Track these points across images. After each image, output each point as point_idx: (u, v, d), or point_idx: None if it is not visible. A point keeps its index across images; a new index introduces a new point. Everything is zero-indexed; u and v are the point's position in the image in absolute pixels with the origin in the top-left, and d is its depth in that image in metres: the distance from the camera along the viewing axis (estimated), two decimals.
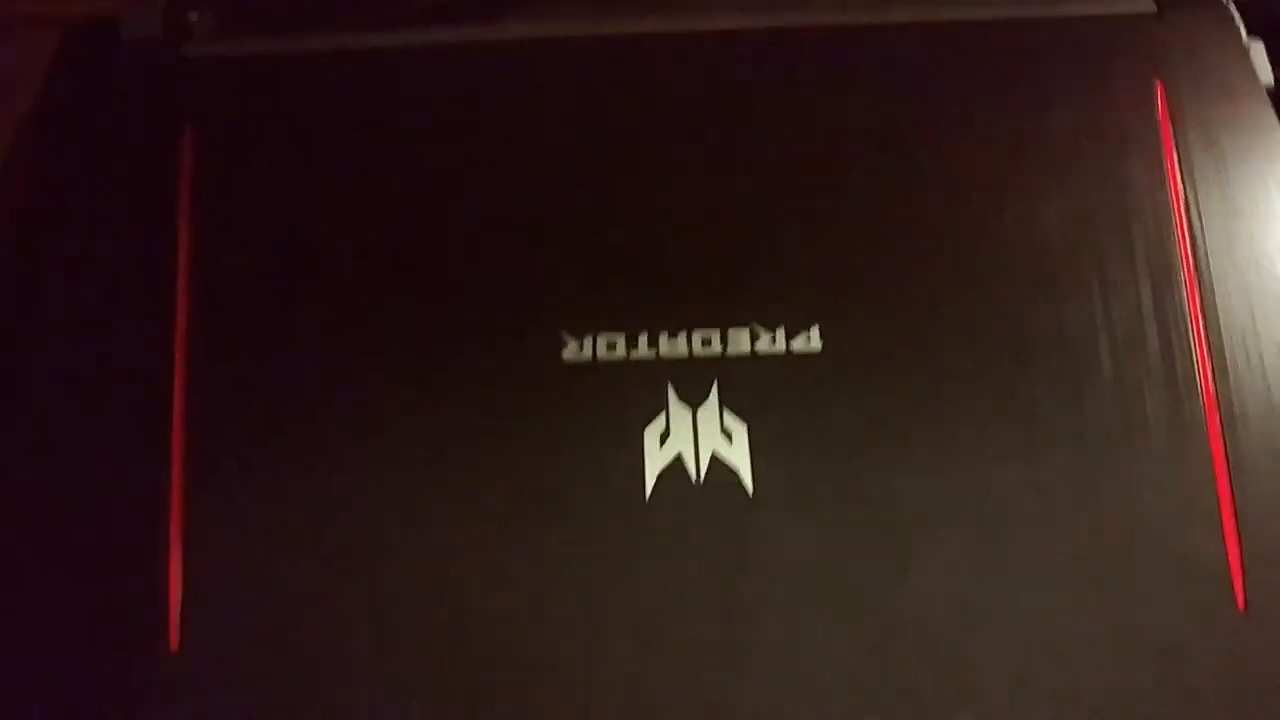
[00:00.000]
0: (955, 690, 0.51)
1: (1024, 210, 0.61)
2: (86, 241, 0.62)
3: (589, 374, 0.57)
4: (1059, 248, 0.60)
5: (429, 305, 0.59)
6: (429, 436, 0.56)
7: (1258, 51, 0.69)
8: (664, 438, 0.56)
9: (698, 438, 0.56)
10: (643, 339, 0.58)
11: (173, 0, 0.71)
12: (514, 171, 0.64)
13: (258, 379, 0.58)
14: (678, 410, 0.56)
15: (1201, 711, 0.51)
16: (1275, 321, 0.59)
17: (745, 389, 0.57)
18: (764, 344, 0.58)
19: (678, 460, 0.55)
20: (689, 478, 0.55)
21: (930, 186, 0.63)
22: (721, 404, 0.56)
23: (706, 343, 0.58)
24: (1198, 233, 0.61)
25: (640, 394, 0.57)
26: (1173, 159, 0.63)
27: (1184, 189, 0.62)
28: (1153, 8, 0.71)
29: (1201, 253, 0.60)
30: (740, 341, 0.58)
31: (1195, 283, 0.59)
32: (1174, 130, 0.64)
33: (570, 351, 0.58)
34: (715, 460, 0.55)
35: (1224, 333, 0.58)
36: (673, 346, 0.58)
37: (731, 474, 0.55)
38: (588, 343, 0.58)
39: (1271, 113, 0.66)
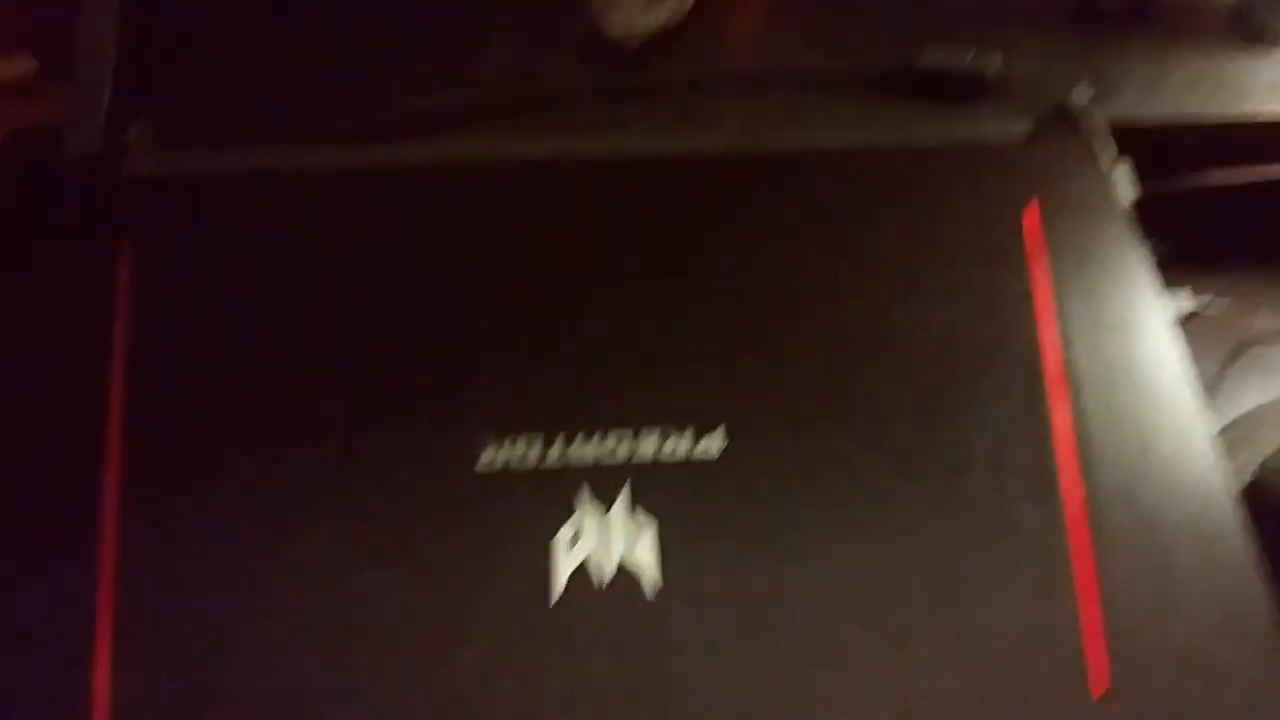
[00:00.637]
0: None
1: (907, 324, 0.67)
2: (18, 354, 0.64)
3: (500, 479, 0.60)
4: (937, 359, 0.65)
5: (347, 417, 0.62)
6: (341, 547, 0.58)
7: (1122, 172, 0.77)
8: (574, 541, 0.58)
9: (608, 540, 0.59)
10: (553, 443, 0.61)
11: (113, 115, 0.74)
12: (434, 285, 0.67)
13: (185, 501, 0.60)
14: (588, 513, 0.59)
15: None
16: (1135, 427, 0.64)
17: (654, 490, 0.60)
18: (673, 445, 0.61)
19: (587, 563, 0.58)
20: (598, 581, 0.58)
21: (823, 299, 0.68)
22: (632, 505, 0.60)
23: (616, 445, 0.61)
24: (1065, 344, 0.66)
25: (550, 497, 0.60)
26: (1043, 277, 0.69)
27: (1053, 304, 0.68)
28: (1024, 136, 0.78)
29: (1068, 363, 0.65)
30: (650, 443, 0.61)
31: (1063, 391, 0.65)
32: (1044, 250, 0.70)
33: (482, 456, 0.61)
34: (624, 563, 0.58)
35: (1090, 438, 0.63)
36: (582, 449, 0.61)
37: (640, 576, 0.58)
38: (499, 448, 0.61)
39: (1131, 231, 0.72)
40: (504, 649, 0.56)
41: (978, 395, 0.64)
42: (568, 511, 0.59)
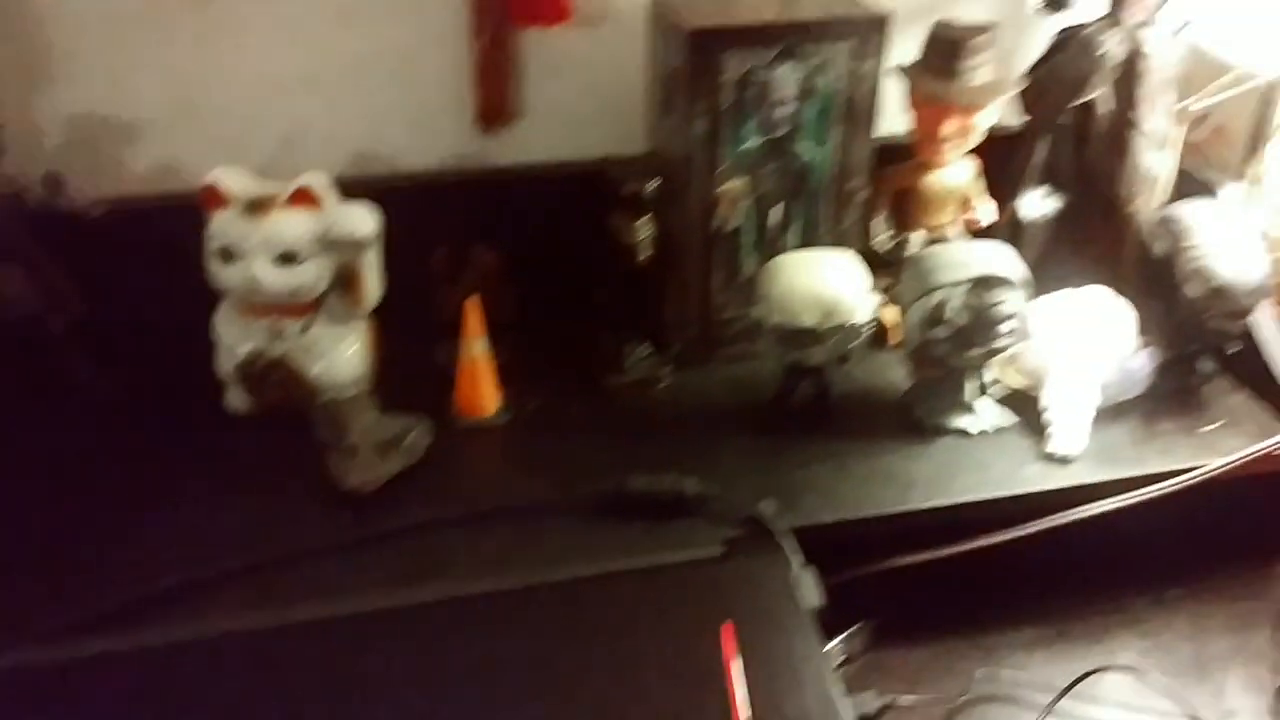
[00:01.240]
0: None
1: None
2: None
3: None
4: None
5: None
6: None
7: (808, 579, 0.86)
8: None
9: None
10: None
11: None
12: None
13: None
14: None
15: None
16: None
17: None
18: None
19: None
20: None
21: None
22: None
23: None
24: None
25: None
26: (738, 686, 0.76)
27: (750, 706, 0.74)
28: (719, 552, 0.89)
29: None
30: None
31: None
32: (738, 660, 0.77)
33: None
34: None
35: None
36: None
37: None
38: None
39: (814, 632, 0.81)
40: None
41: None
42: None
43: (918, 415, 1.06)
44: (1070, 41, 1.12)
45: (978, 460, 1.02)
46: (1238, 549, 1.10)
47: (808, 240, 1.11)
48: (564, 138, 1.17)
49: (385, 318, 1.07)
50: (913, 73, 1.10)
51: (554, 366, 1.12)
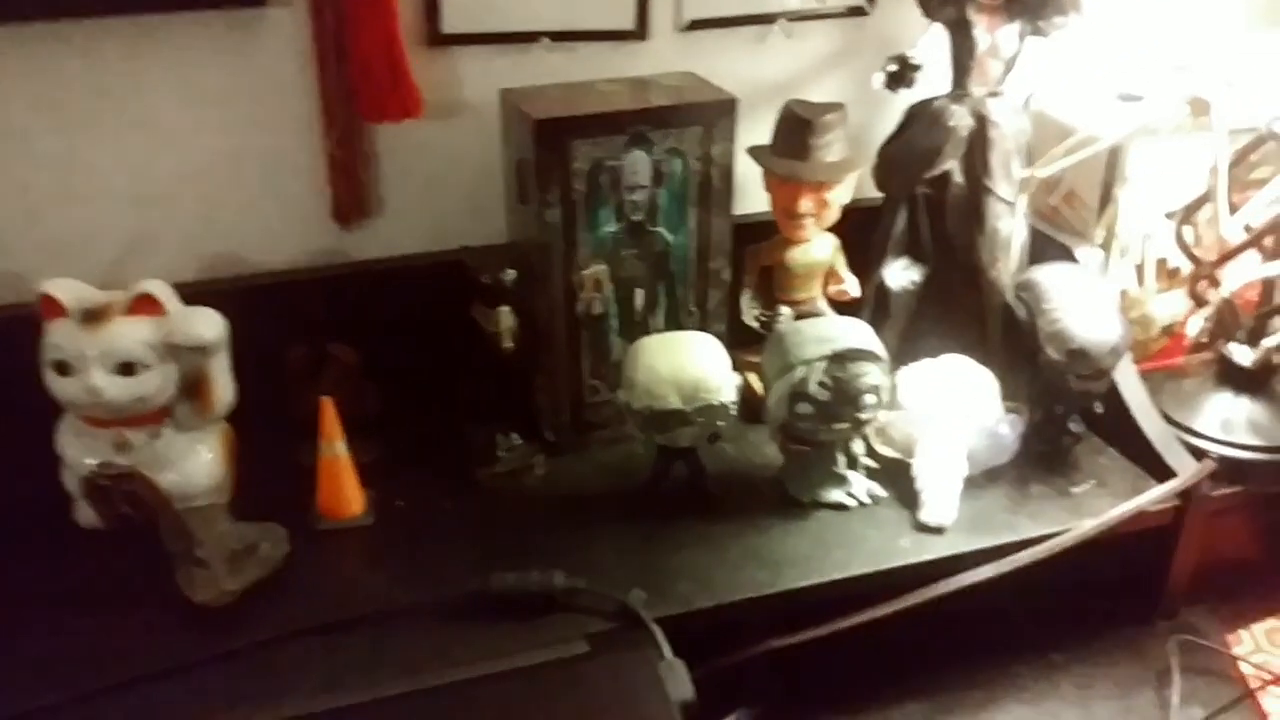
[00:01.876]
0: None
1: None
2: None
3: None
4: None
5: None
6: None
7: (677, 671, 0.83)
8: None
9: None
10: None
11: None
12: None
13: None
14: None
15: None
16: None
17: None
18: None
19: None
20: None
21: None
22: None
23: None
24: None
25: None
26: None
27: None
28: (586, 650, 0.86)
29: None
30: None
31: None
32: None
33: None
34: None
35: None
36: None
37: None
38: None
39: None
40: None
41: None
42: None
43: (791, 492, 1.05)
44: (921, 115, 1.15)
45: (853, 534, 1.01)
46: (1119, 609, 1.10)
47: (674, 321, 1.11)
48: (425, 231, 1.16)
49: (245, 421, 1.03)
50: (765, 153, 1.12)
51: (423, 463, 1.09)
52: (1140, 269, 1.25)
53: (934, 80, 1.14)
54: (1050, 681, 1.03)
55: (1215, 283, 1.15)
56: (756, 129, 1.13)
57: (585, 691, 0.82)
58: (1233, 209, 1.12)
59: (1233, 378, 1.17)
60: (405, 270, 1.16)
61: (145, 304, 0.94)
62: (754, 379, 1.14)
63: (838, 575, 0.96)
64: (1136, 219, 1.20)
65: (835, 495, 1.03)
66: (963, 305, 1.18)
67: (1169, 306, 1.27)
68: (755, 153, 1.12)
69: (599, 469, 1.11)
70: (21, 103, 1.02)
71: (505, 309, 1.04)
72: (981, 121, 1.12)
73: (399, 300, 1.12)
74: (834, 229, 1.16)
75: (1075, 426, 1.11)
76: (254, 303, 1.05)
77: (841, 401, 0.98)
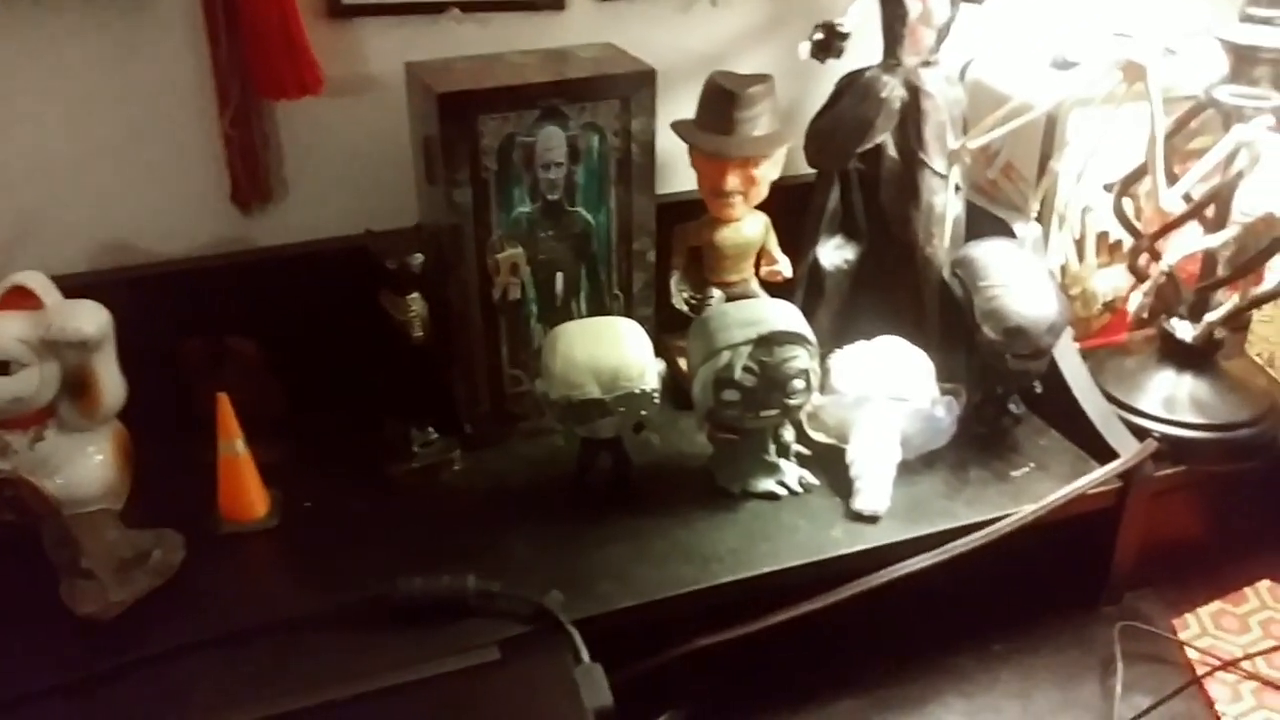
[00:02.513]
0: None
1: None
2: None
3: None
4: None
5: None
6: None
7: (593, 676, 0.78)
8: None
9: None
10: None
11: None
12: None
13: None
14: None
15: None
16: None
17: None
18: None
19: None
20: None
21: None
22: None
23: None
24: None
25: None
26: None
27: None
28: (498, 656, 0.81)
29: None
30: None
31: None
32: None
33: None
34: None
35: None
36: None
37: None
38: None
39: None
40: None
41: None
42: None
43: (720, 482, 1.00)
44: (852, 86, 1.10)
45: (784, 525, 0.96)
46: (1061, 596, 1.07)
47: (597, 305, 1.06)
48: (332, 214, 1.10)
49: (144, 420, 0.97)
50: (690, 128, 1.07)
51: (333, 460, 1.03)
52: (1080, 243, 1.21)
53: (865, 50, 1.10)
54: (992, 673, 1.00)
55: (1156, 256, 1.11)
56: (682, 103, 1.08)
57: (494, 701, 0.77)
58: (1172, 180, 1.08)
59: (1175, 354, 1.13)
60: (310, 256, 1.09)
61: (19, 297, 0.88)
62: (685, 364, 1.10)
63: (768, 568, 0.92)
64: (1075, 191, 1.17)
65: (766, 484, 0.99)
66: (899, 284, 1.13)
67: (1110, 281, 1.24)
68: (679, 127, 1.07)
69: (520, 463, 1.06)
70: None
71: (415, 296, 0.98)
72: (914, 92, 1.08)
73: (304, 289, 1.06)
74: (764, 207, 1.11)
75: (1015, 408, 1.07)
76: (149, 294, 0.99)
77: (769, 387, 0.93)
